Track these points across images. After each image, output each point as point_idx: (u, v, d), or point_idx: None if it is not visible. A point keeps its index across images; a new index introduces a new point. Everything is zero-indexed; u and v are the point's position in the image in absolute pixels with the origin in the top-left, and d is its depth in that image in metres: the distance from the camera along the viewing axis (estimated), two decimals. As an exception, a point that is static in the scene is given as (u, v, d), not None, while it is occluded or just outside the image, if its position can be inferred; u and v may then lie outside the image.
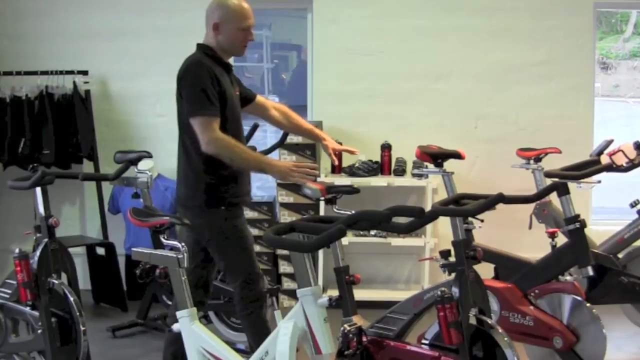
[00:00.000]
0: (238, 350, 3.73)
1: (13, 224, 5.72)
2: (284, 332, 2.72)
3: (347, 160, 5.52)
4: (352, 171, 5.46)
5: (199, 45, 3.52)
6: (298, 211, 5.42)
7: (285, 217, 5.43)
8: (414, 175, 5.42)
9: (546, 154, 4.98)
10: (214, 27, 3.44)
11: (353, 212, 2.91)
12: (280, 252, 5.47)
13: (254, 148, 4.57)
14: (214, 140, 3.30)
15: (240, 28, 3.44)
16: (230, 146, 3.32)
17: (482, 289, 3.15)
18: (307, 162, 5.27)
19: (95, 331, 4.76)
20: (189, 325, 3.05)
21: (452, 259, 3.11)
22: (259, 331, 3.42)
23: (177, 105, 3.45)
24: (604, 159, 4.30)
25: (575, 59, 5.69)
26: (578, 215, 3.91)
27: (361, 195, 3.64)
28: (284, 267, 5.51)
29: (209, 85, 3.33)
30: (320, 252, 5.28)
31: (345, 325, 2.88)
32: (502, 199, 3.07)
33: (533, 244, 4.80)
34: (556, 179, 3.89)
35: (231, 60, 3.63)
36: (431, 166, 4.21)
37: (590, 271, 3.86)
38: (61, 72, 5.62)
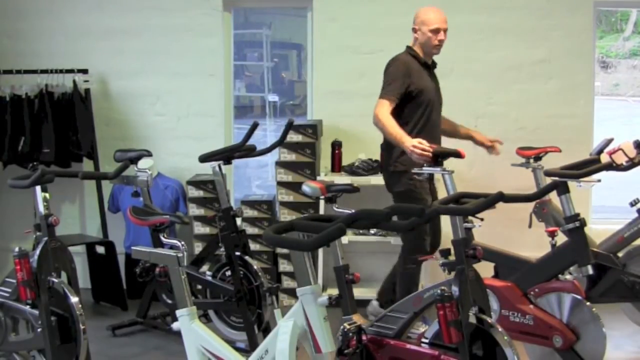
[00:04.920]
0: (238, 349, 3.73)
1: (13, 222, 5.72)
2: (283, 331, 2.71)
3: (347, 159, 5.52)
4: (352, 170, 5.44)
5: (407, 47, 4.60)
6: (298, 210, 5.41)
7: (285, 215, 5.42)
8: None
9: (546, 152, 4.98)
10: (413, 31, 4.55)
11: (353, 210, 2.91)
12: (280, 250, 5.47)
13: (253, 147, 4.57)
14: (374, 116, 4.31)
15: (430, 30, 4.45)
16: (382, 122, 4.26)
17: (482, 287, 3.16)
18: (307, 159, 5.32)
19: (95, 330, 4.76)
20: (188, 324, 3.04)
21: (452, 257, 3.11)
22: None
23: None
24: (604, 158, 4.29)
25: (575, 58, 5.68)
26: (578, 214, 3.91)
27: (361, 194, 3.64)
28: (284, 266, 5.50)
29: (396, 76, 4.39)
30: (320, 251, 5.27)
31: (345, 324, 2.88)
32: (502, 197, 3.07)
33: (533, 242, 4.81)
34: (556, 178, 3.88)
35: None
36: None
37: (590, 270, 3.85)
38: (61, 71, 5.61)
